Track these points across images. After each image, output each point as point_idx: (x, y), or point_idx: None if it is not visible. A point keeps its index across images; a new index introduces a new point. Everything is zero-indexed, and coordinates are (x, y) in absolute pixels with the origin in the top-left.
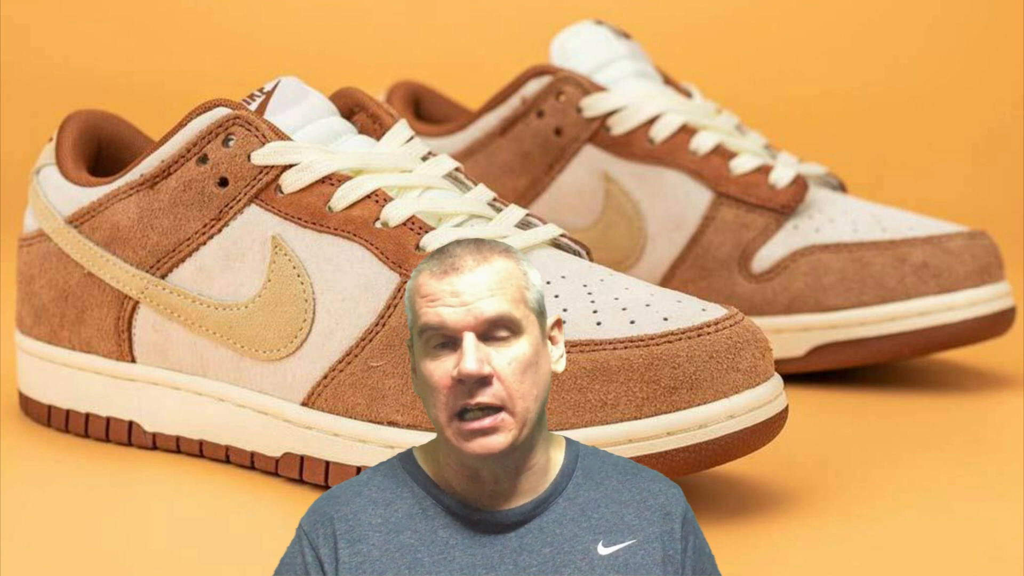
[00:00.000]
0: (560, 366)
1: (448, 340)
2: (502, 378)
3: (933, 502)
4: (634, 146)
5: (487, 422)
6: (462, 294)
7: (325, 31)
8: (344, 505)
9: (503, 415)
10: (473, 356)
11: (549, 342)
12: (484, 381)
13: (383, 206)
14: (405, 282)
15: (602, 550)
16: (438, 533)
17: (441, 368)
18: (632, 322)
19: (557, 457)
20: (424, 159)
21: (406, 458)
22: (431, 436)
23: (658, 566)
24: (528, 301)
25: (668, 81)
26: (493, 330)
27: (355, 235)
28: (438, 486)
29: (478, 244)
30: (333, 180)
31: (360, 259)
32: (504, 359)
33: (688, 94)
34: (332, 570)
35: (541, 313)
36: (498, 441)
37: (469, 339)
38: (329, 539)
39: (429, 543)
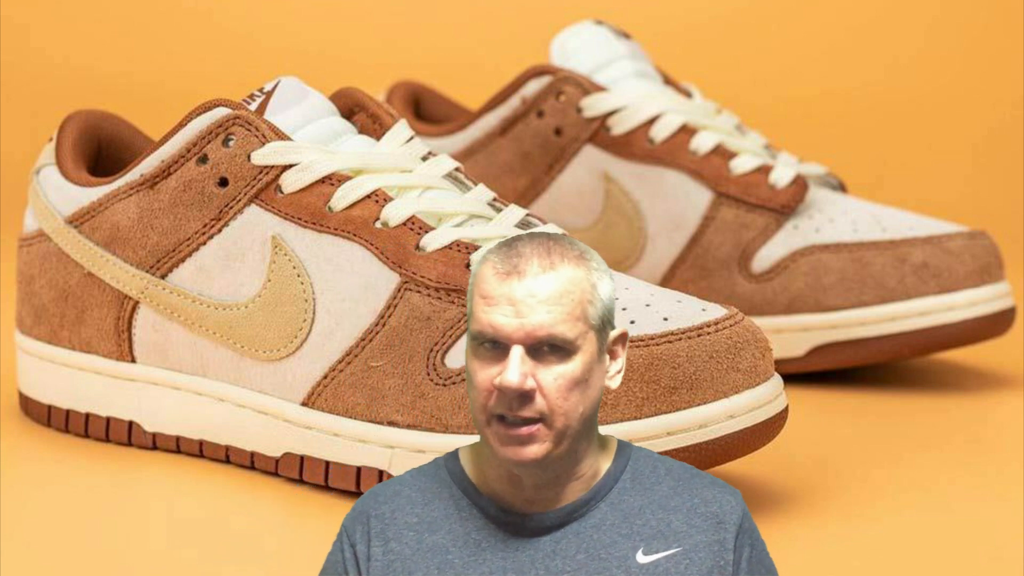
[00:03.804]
0: (615, 382)
1: (498, 343)
2: (546, 393)
3: (933, 502)
4: (634, 146)
5: (522, 431)
6: (518, 304)
7: (325, 31)
8: (383, 503)
9: (539, 426)
10: (517, 369)
11: (608, 356)
12: (526, 396)
13: (383, 206)
14: (405, 282)
15: (641, 558)
16: (471, 535)
17: (484, 372)
18: (632, 322)
19: (606, 461)
20: (424, 159)
21: (450, 458)
22: (431, 435)
23: None
24: (589, 317)
25: (668, 81)
26: (545, 346)
27: (355, 235)
28: (477, 488)
29: (549, 245)
30: (333, 180)
31: (360, 259)
32: (551, 374)
33: (688, 94)
34: (365, 567)
35: (603, 328)
36: (532, 451)
37: (516, 352)
38: (364, 536)
39: (461, 544)
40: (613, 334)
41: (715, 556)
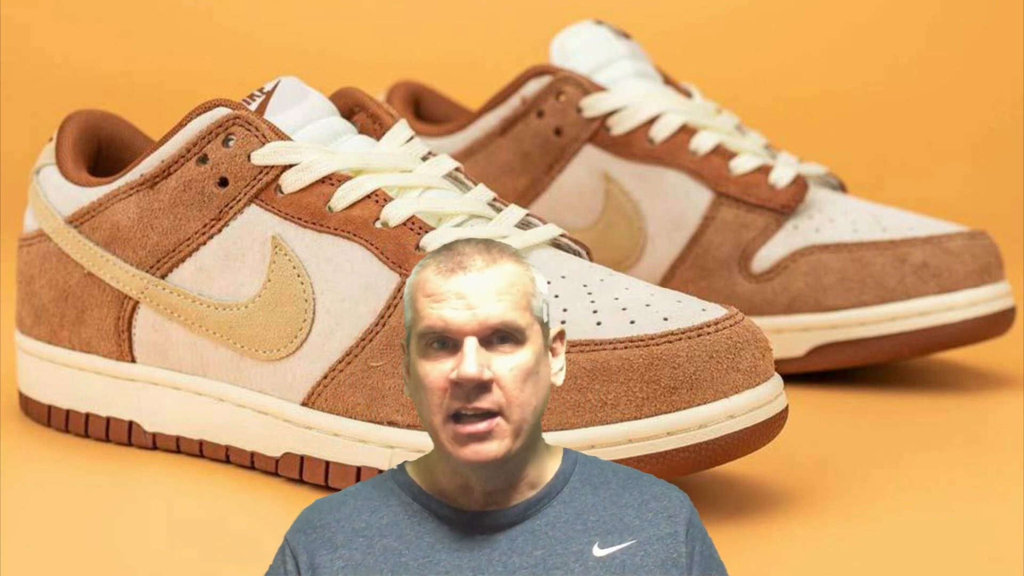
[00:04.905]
0: (559, 379)
1: (447, 341)
2: (502, 384)
3: (933, 502)
4: (634, 146)
5: (482, 426)
6: (468, 296)
7: (325, 31)
8: (328, 513)
9: (498, 420)
10: (473, 359)
11: (550, 353)
12: (483, 387)
13: (383, 206)
14: (406, 282)
15: (598, 551)
16: (424, 538)
17: (437, 369)
18: (632, 322)
19: (553, 465)
20: (424, 159)
21: (397, 471)
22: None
23: (659, 568)
24: (533, 309)
25: (668, 81)
26: (496, 336)
27: (355, 235)
28: (427, 493)
29: (488, 244)
30: (333, 180)
31: (360, 259)
32: (506, 365)
33: (688, 94)
34: None
35: (545, 323)
36: (491, 448)
37: (470, 343)
38: (308, 546)
39: (414, 547)
40: (554, 331)
41: (668, 549)
